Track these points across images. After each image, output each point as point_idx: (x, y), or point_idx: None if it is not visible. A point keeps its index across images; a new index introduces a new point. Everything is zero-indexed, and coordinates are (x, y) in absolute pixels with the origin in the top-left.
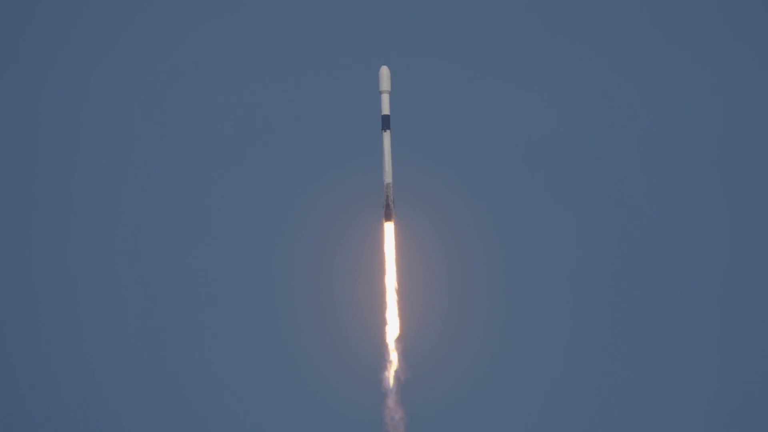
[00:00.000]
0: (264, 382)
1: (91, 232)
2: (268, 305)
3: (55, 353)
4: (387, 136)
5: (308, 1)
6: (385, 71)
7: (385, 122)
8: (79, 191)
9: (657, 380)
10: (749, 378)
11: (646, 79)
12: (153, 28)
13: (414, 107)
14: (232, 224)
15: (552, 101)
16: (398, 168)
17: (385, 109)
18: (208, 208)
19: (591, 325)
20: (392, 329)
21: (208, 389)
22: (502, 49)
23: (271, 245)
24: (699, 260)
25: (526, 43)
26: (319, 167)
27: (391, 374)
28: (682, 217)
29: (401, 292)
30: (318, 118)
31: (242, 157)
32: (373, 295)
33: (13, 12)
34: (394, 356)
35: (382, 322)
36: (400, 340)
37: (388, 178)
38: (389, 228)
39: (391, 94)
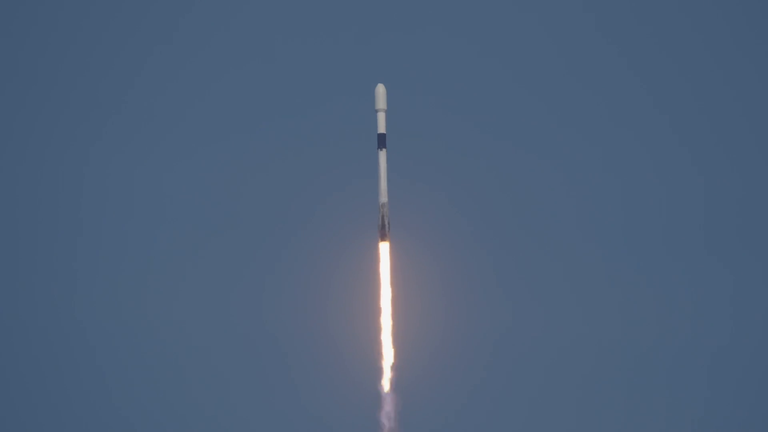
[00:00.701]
0: (257, 402)
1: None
2: (263, 324)
3: (56, 353)
4: (383, 155)
5: (304, 19)
6: (381, 89)
7: (381, 141)
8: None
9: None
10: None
11: (645, 128)
12: (148, 50)
13: (410, 126)
14: (226, 243)
15: (550, 123)
16: (394, 188)
17: (381, 128)
18: (203, 226)
19: (586, 347)
20: (387, 349)
21: (202, 413)
22: (500, 67)
23: (266, 264)
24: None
25: (524, 64)
26: (315, 186)
27: (385, 393)
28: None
29: (396, 311)
30: (313, 136)
31: (236, 176)
32: (367, 315)
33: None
34: (388, 376)
35: (376, 342)
36: (394, 359)
37: (383, 197)
38: (384, 248)
39: (387, 112)
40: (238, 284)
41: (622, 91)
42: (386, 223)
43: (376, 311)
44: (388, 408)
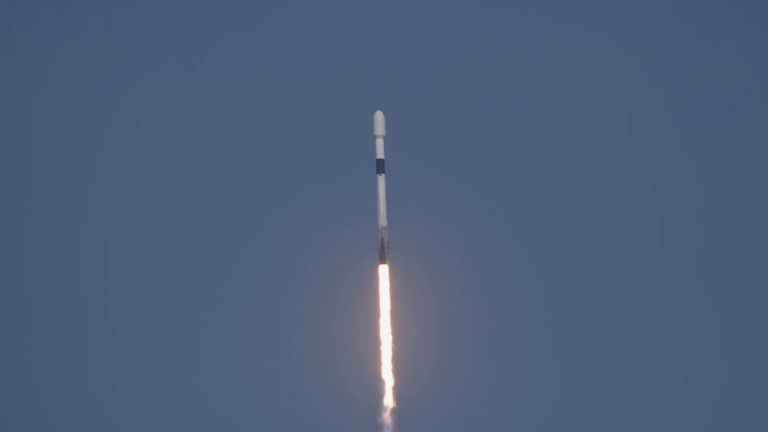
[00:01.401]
0: (259, 421)
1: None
2: (261, 346)
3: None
4: (381, 180)
5: (303, 45)
6: (379, 116)
7: (380, 166)
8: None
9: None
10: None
11: (643, 141)
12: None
13: (408, 151)
14: (229, 267)
15: (546, 143)
16: (393, 211)
17: (380, 154)
18: (205, 245)
19: (581, 364)
20: (386, 372)
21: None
22: (499, 93)
23: (268, 286)
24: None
25: (522, 90)
26: (315, 210)
27: (386, 415)
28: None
29: (395, 331)
30: (313, 162)
31: (237, 200)
32: (367, 335)
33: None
34: (388, 398)
35: (376, 365)
36: (394, 379)
37: (382, 221)
38: (384, 270)
39: (386, 138)
40: (240, 306)
41: (619, 117)
42: (385, 245)
43: (375, 331)
44: (388, 426)
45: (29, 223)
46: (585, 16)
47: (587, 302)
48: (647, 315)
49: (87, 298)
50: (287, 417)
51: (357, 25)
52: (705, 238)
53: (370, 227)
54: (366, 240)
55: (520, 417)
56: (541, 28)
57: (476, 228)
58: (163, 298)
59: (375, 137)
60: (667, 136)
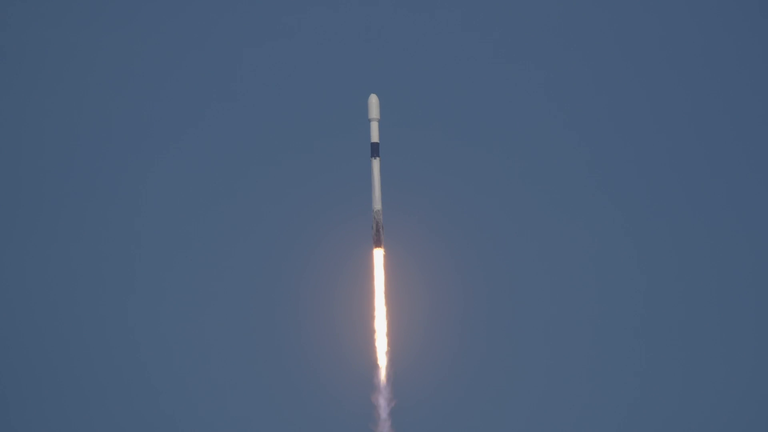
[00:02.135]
0: (252, 404)
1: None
2: (256, 332)
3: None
4: (376, 163)
5: (297, 29)
6: (374, 99)
7: (374, 149)
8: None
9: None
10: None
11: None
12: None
13: (403, 135)
14: (222, 249)
15: (542, 125)
16: (387, 195)
17: (374, 137)
18: (199, 233)
19: (580, 351)
20: (381, 354)
21: (197, 414)
22: (492, 74)
23: (260, 271)
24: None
25: (517, 69)
26: (310, 193)
27: (380, 396)
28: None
29: (390, 314)
30: (307, 144)
31: (233, 183)
32: (362, 319)
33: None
34: (383, 380)
35: (371, 348)
36: (389, 364)
37: (377, 204)
38: (378, 254)
39: (380, 121)
40: (234, 290)
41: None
42: (380, 229)
43: (370, 315)
44: (382, 409)
45: (29, 223)
46: (585, 11)
47: (582, 289)
48: (641, 300)
49: (82, 297)
50: (282, 397)
51: (352, 8)
52: (704, 237)
53: (364, 211)
54: (361, 224)
55: (512, 398)
56: (540, 15)
57: (471, 211)
58: (156, 282)
59: (369, 121)
60: (663, 137)
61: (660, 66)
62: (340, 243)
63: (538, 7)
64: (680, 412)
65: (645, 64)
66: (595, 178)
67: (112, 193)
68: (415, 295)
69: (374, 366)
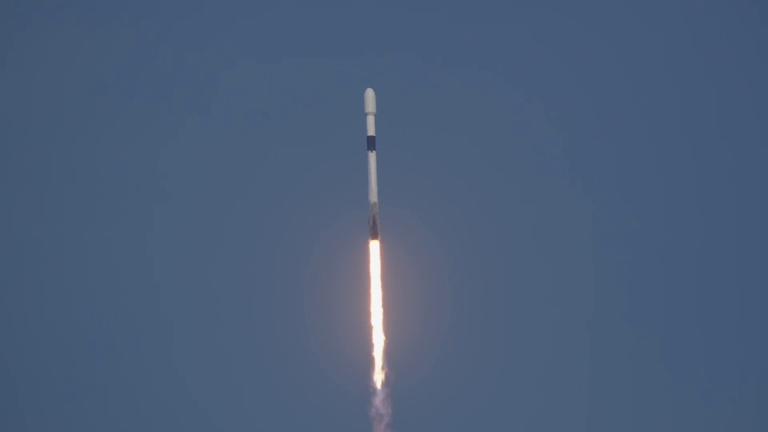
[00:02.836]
0: (249, 399)
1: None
2: (253, 322)
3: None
4: (372, 157)
5: (295, 25)
6: (370, 93)
7: (371, 143)
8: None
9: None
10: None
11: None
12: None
13: (399, 128)
14: (219, 242)
15: (537, 126)
16: (383, 187)
17: (371, 131)
18: (196, 225)
19: (577, 344)
20: (378, 346)
21: (194, 412)
22: (488, 70)
23: (257, 263)
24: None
25: (511, 68)
26: (307, 186)
27: (377, 389)
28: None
29: (387, 306)
30: (305, 138)
31: (230, 176)
32: (358, 310)
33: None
34: (379, 372)
35: (368, 340)
36: (385, 356)
37: (373, 197)
38: (375, 246)
39: (377, 115)
40: (231, 283)
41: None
42: (376, 221)
43: (367, 306)
44: (379, 403)
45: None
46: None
47: (577, 284)
48: (634, 297)
49: (77, 298)
50: (277, 391)
51: (347, 3)
52: (704, 236)
53: (361, 203)
54: (357, 216)
55: (514, 395)
56: (533, 10)
57: (466, 203)
58: (150, 276)
59: (366, 114)
60: (660, 139)
61: (660, 72)
62: (337, 235)
63: (535, 5)
64: (679, 412)
65: (647, 69)
66: (590, 171)
67: (102, 198)
68: (412, 286)
69: (370, 360)
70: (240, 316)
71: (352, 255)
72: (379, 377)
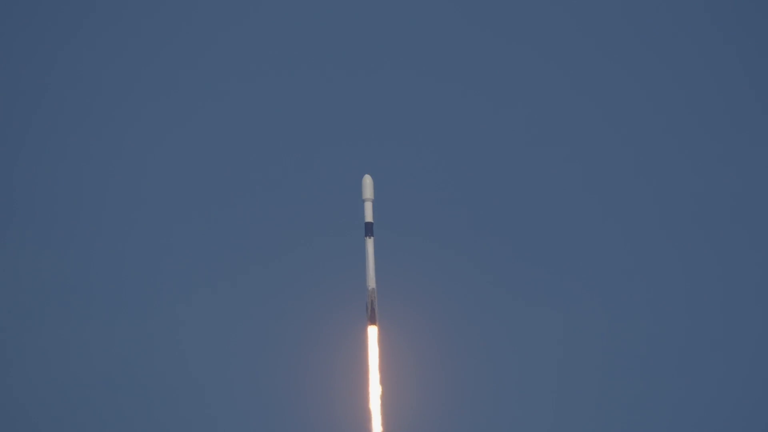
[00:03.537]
0: None
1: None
2: (250, 408)
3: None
4: (370, 243)
5: (291, 109)
6: (368, 180)
7: (368, 229)
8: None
9: None
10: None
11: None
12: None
13: (397, 214)
14: (213, 330)
15: (533, 212)
16: (381, 273)
17: (368, 217)
18: (193, 301)
19: (573, 416)
20: (377, 428)
21: None
22: (486, 157)
23: (253, 348)
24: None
25: (508, 155)
26: (304, 271)
27: None
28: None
29: (385, 393)
30: (302, 226)
31: (224, 261)
32: (357, 398)
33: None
34: None
35: (366, 428)
36: None
37: (371, 283)
38: (373, 331)
39: (374, 201)
40: (227, 365)
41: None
42: (374, 307)
43: (365, 391)
44: None
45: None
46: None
47: (597, 370)
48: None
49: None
50: None
51: (345, 90)
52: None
53: (359, 289)
54: (355, 302)
55: None
56: (530, 74)
57: (463, 288)
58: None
59: (363, 201)
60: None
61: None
62: (335, 320)
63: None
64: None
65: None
66: (596, 259)
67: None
68: (410, 371)
69: None
70: (236, 405)
71: (349, 340)
72: None
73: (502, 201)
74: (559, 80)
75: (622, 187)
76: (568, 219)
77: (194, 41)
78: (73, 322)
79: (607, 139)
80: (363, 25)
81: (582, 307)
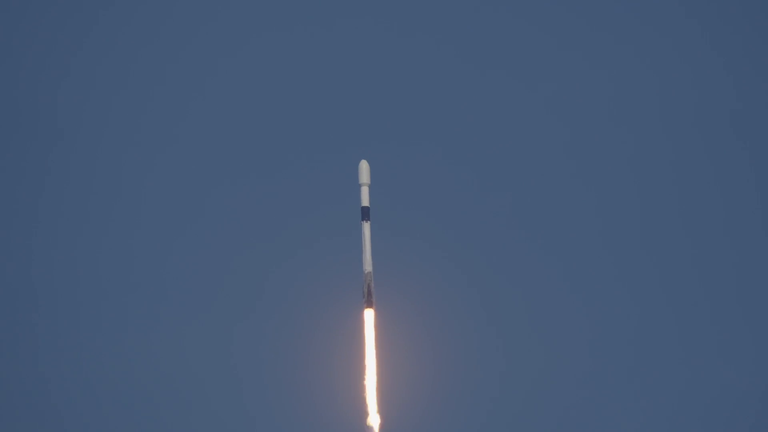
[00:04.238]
0: None
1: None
2: (245, 393)
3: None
4: (367, 227)
5: (288, 94)
6: (364, 165)
7: (365, 213)
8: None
9: None
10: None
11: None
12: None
13: (393, 198)
14: (212, 313)
15: (533, 197)
16: (378, 257)
17: (365, 201)
18: (189, 292)
19: (576, 398)
20: (373, 417)
21: None
22: (482, 141)
23: (251, 333)
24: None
25: (506, 140)
26: (301, 257)
27: None
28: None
29: (381, 378)
30: (299, 210)
31: (225, 247)
32: (353, 381)
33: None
34: None
35: (362, 408)
36: (381, 426)
37: (368, 266)
38: (369, 315)
39: (371, 186)
40: (223, 352)
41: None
42: (371, 290)
43: (361, 376)
44: None
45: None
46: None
47: (585, 359)
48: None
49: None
50: None
51: (343, 75)
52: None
53: (355, 273)
54: (352, 285)
55: None
56: (534, 76)
57: (461, 272)
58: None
59: (360, 185)
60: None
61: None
62: (331, 304)
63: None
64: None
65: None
66: (596, 246)
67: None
68: (407, 355)
69: (365, 428)
70: (231, 389)
71: (346, 324)
72: None
73: (498, 186)
74: (556, 72)
75: (621, 185)
76: (564, 204)
77: (190, 31)
78: (74, 321)
79: (607, 138)
80: (359, 11)
81: (577, 296)
